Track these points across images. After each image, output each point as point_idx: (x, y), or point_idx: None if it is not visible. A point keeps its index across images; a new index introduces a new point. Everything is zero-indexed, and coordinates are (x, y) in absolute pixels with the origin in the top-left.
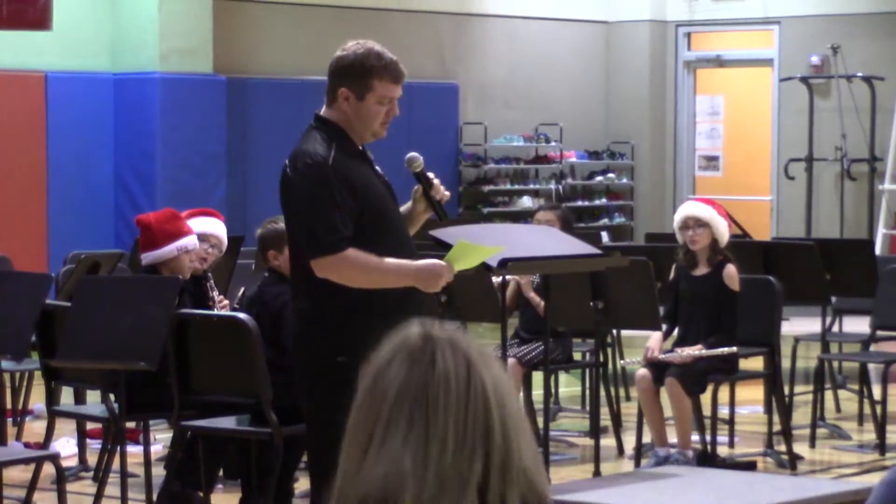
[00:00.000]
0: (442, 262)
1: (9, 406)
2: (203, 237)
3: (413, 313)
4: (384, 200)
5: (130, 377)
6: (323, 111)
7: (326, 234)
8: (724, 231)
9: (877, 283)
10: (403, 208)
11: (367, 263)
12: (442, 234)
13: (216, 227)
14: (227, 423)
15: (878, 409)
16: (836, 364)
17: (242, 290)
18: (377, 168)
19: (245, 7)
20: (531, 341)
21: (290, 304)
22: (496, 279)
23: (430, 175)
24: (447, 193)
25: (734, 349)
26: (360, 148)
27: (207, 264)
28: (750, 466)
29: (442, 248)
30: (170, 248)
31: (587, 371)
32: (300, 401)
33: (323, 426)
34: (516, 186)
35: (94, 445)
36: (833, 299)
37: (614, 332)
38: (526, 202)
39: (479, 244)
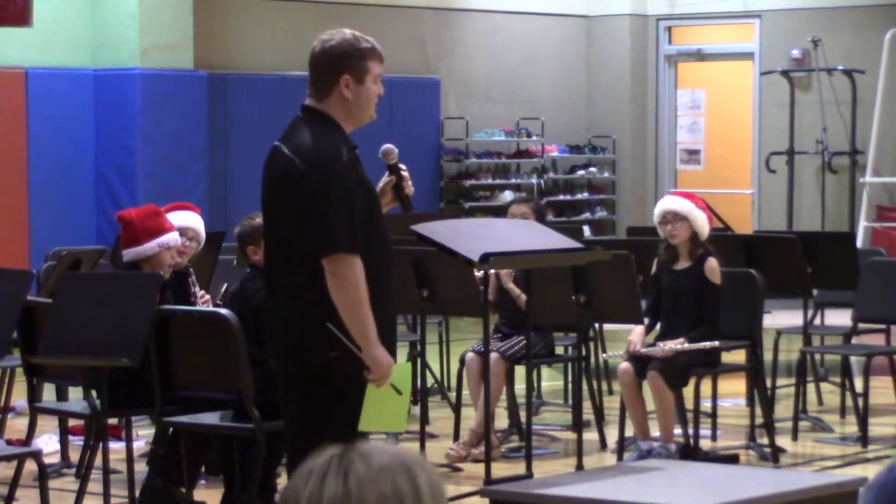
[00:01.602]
0: (391, 364)
1: None
2: (180, 231)
3: (390, 308)
4: (377, 197)
5: (112, 373)
6: (314, 104)
7: (348, 232)
8: (703, 224)
9: (858, 275)
10: None
11: (363, 285)
12: (424, 229)
13: (193, 220)
14: (210, 418)
15: (860, 401)
16: (817, 357)
17: (225, 286)
18: None
19: (226, 2)
20: (513, 336)
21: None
22: (478, 274)
23: (403, 169)
24: (413, 189)
25: (716, 344)
26: (355, 144)
27: (186, 258)
28: (732, 459)
29: (424, 243)
30: (151, 245)
31: (569, 365)
32: (281, 400)
33: (315, 424)
34: (498, 181)
35: (76, 442)
36: (815, 292)
37: (596, 326)
38: (507, 197)
39: (404, 390)
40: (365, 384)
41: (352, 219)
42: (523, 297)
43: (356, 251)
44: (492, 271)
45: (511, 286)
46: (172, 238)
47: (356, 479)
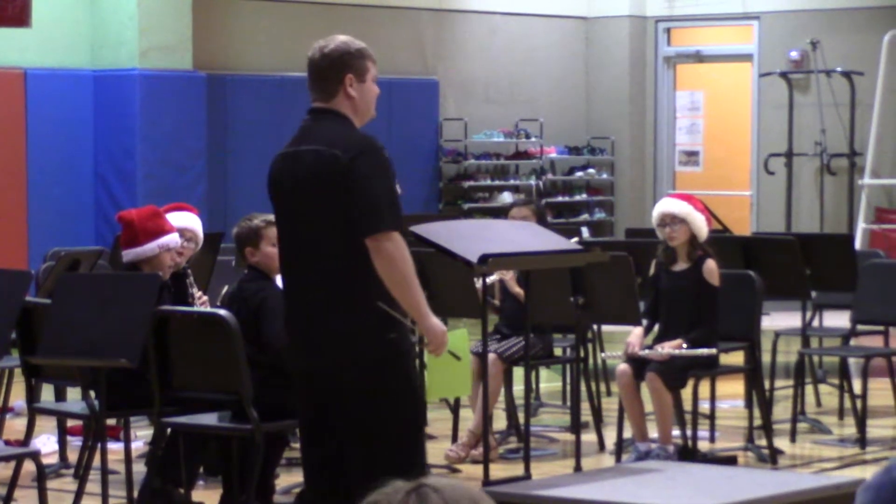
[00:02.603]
0: (445, 337)
1: None
2: (179, 232)
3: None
4: None
5: (111, 374)
6: (323, 105)
7: (393, 210)
8: (701, 226)
9: (856, 277)
10: None
11: (409, 257)
12: (423, 230)
13: (191, 221)
14: (208, 419)
15: (859, 403)
16: (816, 358)
17: (226, 288)
18: None
19: (225, 3)
20: (512, 337)
21: (269, 300)
22: (478, 284)
23: None
24: None
25: (713, 351)
26: None
27: (184, 259)
28: (731, 461)
29: (423, 244)
30: (151, 246)
31: (568, 366)
32: (330, 393)
33: (386, 408)
34: (496, 182)
35: (74, 442)
36: (813, 294)
37: (595, 327)
38: (506, 198)
39: (463, 356)
40: (414, 365)
41: (394, 199)
42: None
43: (400, 228)
44: (497, 278)
45: (518, 290)
46: (172, 239)
47: None
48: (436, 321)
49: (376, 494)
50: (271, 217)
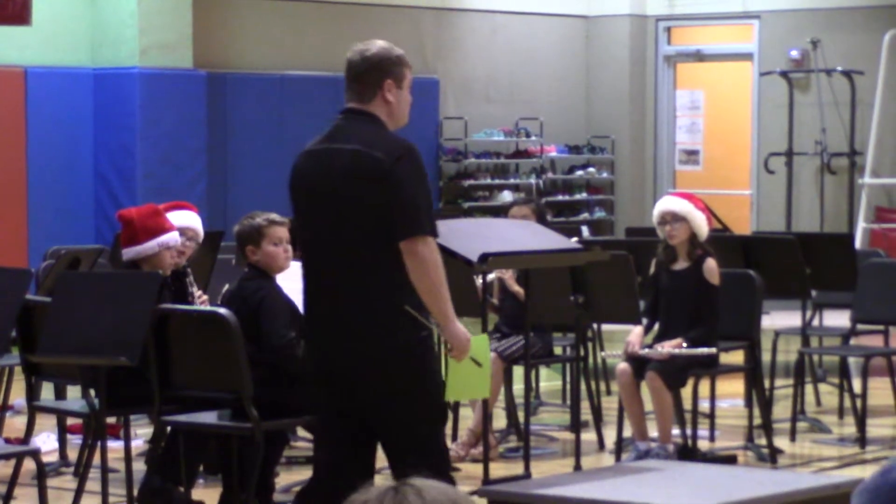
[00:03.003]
0: (468, 344)
1: None
2: (180, 231)
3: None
4: None
5: (111, 372)
6: (359, 106)
7: (430, 215)
8: (701, 225)
9: (856, 277)
10: None
11: (441, 263)
12: None
13: (192, 219)
14: (208, 418)
15: (858, 402)
16: (816, 358)
17: (227, 287)
18: None
19: (225, 2)
20: (511, 335)
21: (268, 299)
22: (479, 282)
23: None
24: None
25: (713, 350)
26: None
27: (185, 258)
28: (730, 460)
29: None
30: (151, 245)
31: (567, 365)
32: (358, 388)
33: (414, 402)
34: (496, 181)
35: (74, 441)
36: (813, 293)
37: (594, 326)
38: (506, 197)
39: (484, 363)
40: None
41: (430, 204)
42: None
43: (436, 234)
44: (496, 277)
45: (517, 289)
46: (172, 238)
47: None
48: (461, 328)
49: (357, 494)
50: (273, 216)
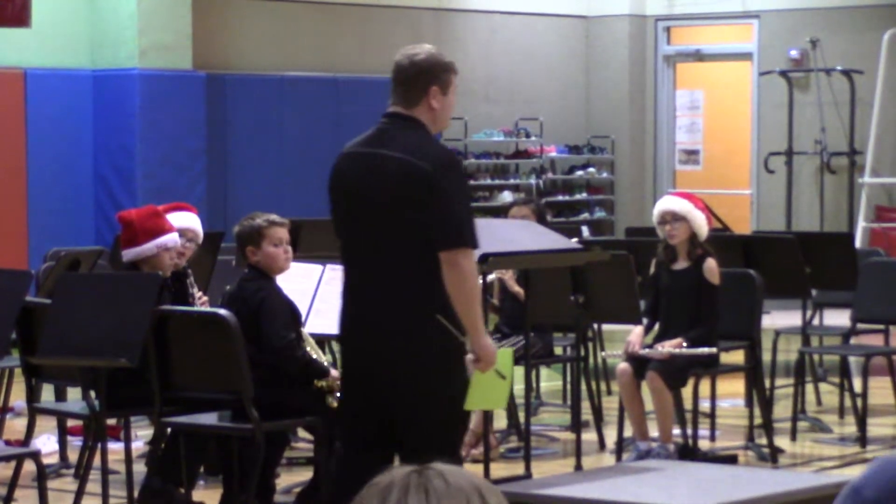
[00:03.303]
0: (495, 357)
1: None
2: (181, 232)
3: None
4: None
5: (111, 374)
6: (403, 111)
7: (471, 227)
8: (701, 224)
9: (857, 276)
10: None
11: (478, 280)
12: None
13: (191, 220)
14: (209, 419)
15: (859, 402)
16: (816, 357)
17: (228, 288)
18: None
19: (224, 3)
20: (512, 336)
21: (268, 300)
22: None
23: None
24: None
25: (714, 350)
26: None
27: (185, 259)
28: (731, 460)
29: None
30: (150, 246)
31: (568, 365)
32: (392, 392)
33: (446, 406)
34: (496, 181)
35: (75, 442)
36: (813, 292)
37: (595, 326)
38: (506, 197)
39: (507, 375)
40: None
41: (471, 215)
42: None
43: (476, 246)
44: (496, 277)
45: (517, 289)
46: (171, 239)
47: (436, 497)
48: (489, 341)
49: (379, 476)
50: (274, 217)
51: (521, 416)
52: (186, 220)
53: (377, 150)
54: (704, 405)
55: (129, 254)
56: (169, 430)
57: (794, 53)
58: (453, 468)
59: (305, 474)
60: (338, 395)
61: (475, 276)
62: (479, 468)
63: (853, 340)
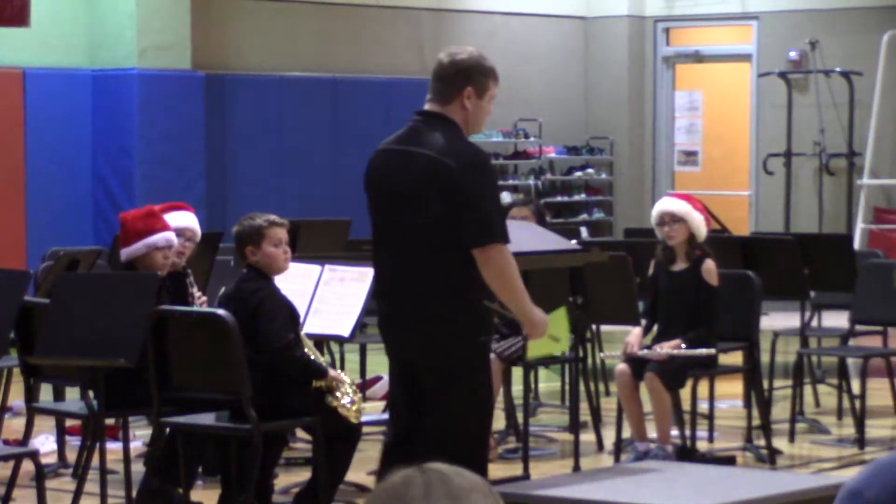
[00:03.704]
0: (545, 327)
1: None
2: (179, 231)
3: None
4: None
5: (109, 374)
6: (437, 109)
7: (501, 223)
8: (700, 226)
9: (855, 277)
10: None
11: (514, 265)
12: None
13: (189, 219)
14: (207, 419)
15: (857, 403)
16: (815, 359)
17: (223, 289)
18: None
19: (223, 3)
20: (510, 336)
21: (267, 300)
22: None
23: None
24: None
25: (712, 351)
26: None
27: (184, 258)
28: (729, 461)
29: None
30: (139, 246)
31: (566, 366)
32: (413, 392)
33: (470, 406)
34: None
35: (73, 442)
36: (812, 294)
37: (593, 327)
38: (505, 198)
39: (562, 336)
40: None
41: (501, 211)
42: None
43: (508, 241)
44: None
45: None
46: (162, 239)
47: (439, 500)
48: (539, 316)
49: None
50: (274, 217)
51: (520, 416)
52: (184, 220)
53: (408, 147)
54: (703, 406)
55: (123, 254)
56: (167, 430)
57: (793, 55)
58: (456, 470)
59: (304, 474)
60: (337, 394)
61: (511, 267)
62: None
63: (851, 342)
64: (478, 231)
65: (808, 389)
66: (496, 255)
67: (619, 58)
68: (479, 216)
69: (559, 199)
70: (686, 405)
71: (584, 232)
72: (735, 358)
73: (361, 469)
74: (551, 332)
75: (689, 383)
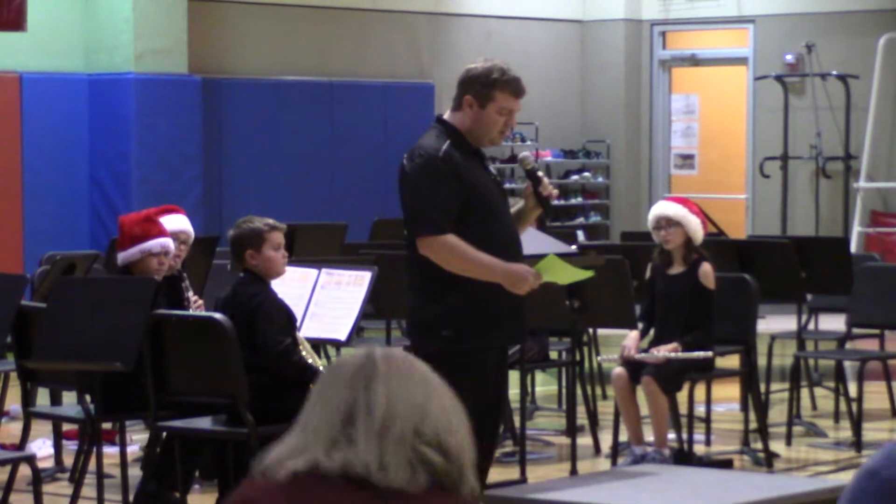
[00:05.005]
0: (530, 269)
1: None
2: (175, 235)
3: (504, 300)
4: (492, 196)
5: (106, 378)
6: (446, 115)
7: (431, 216)
8: (697, 229)
9: (852, 280)
10: (516, 207)
11: (464, 252)
12: None
13: (183, 222)
14: (204, 423)
15: (854, 406)
16: (811, 362)
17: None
18: (489, 168)
19: (220, 7)
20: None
21: (265, 304)
22: None
23: (540, 173)
24: (555, 191)
25: (709, 355)
26: (475, 148)
27: (179, 261)
28: (726, 464)
29: None
30: (133, 251)
31: (563, 370)
32: None
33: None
34: None
35: (70, 446)
36: (808, 297)
37: (590, 330)
38: None
39: (571, 264)
40: (482, 364)
41: (439, 206)
42: None
43: (441, 231)
44: None
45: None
46: (157, 244)
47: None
48: (510, 269)
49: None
50: (273, 221)
51: (517, 420)
52: (178, 223)
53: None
54: (700, 410)
55: (119, 258)
56: (164, 434)
57: (789, 58)
58: (399, 353)
59: None
60: None
61: (453, 252)
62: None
63: (848, 345)
64: (410, 224)
65: (804, 393)
66: (427, 247)
67: (616, 61)
68: (410, 209)
69: (556, 202)
70: (683, 408)
71: (580, 235)
72: (732, 361)
73: None
74: (550, 278)
75: (685, 386)
